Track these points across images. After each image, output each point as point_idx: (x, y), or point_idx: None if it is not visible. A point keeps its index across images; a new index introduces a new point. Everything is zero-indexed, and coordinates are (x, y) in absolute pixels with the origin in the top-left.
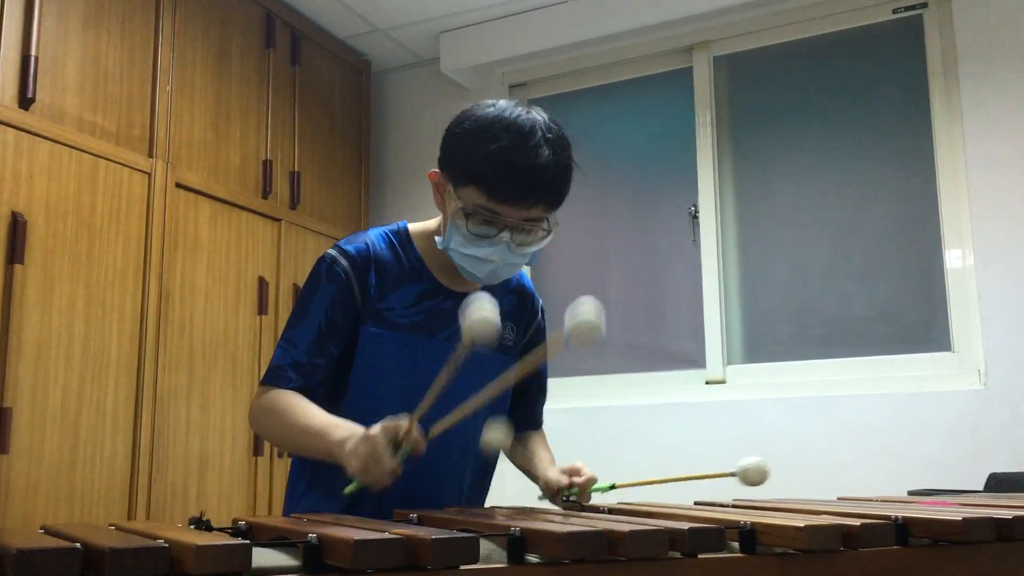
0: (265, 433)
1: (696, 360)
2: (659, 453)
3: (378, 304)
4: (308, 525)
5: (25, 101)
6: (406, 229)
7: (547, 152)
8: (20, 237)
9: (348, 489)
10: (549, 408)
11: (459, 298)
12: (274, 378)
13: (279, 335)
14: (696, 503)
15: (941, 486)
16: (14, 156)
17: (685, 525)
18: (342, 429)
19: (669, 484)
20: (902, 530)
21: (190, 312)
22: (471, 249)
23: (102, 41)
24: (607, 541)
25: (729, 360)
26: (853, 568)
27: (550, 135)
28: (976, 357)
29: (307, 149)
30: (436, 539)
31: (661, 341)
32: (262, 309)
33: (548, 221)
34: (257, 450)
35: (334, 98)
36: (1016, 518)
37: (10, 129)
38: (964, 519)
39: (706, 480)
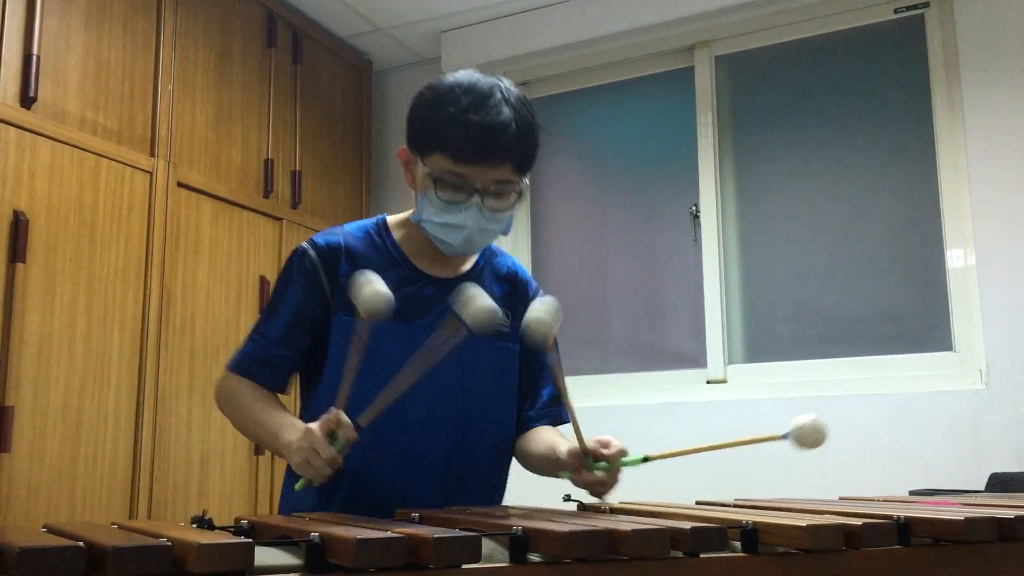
0: (228, 418)
1: (697, 360)
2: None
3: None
4: (310, 524)
5: (27, 100)
6: (384, 220)
7: (508, 110)
8: (22, 236)
9: (298, 485)
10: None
11: (440, 284)
12: (247, 370)
13: None
14: (698, 502)
15: (942, 486)
16: (16, 155)
17: (687, 524)
18: (290, 431)
19: (702, 454)
20: (904, 530)
21: (191, 311)
22: (443, 217)
23: (104, 40)
24: (609, 540)
25: (730, 360)
26: (855, 568)
27: (509, 96)
28: (977, 357)
29: (308, 148)
30: (438, 538)
31: (662, 341)
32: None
33: (519, 184)
34: (259, 449)
35: (335, 98)
36: (1018, 518)
37: (12, 128)
38: (966, 519)
39: (753, 445)
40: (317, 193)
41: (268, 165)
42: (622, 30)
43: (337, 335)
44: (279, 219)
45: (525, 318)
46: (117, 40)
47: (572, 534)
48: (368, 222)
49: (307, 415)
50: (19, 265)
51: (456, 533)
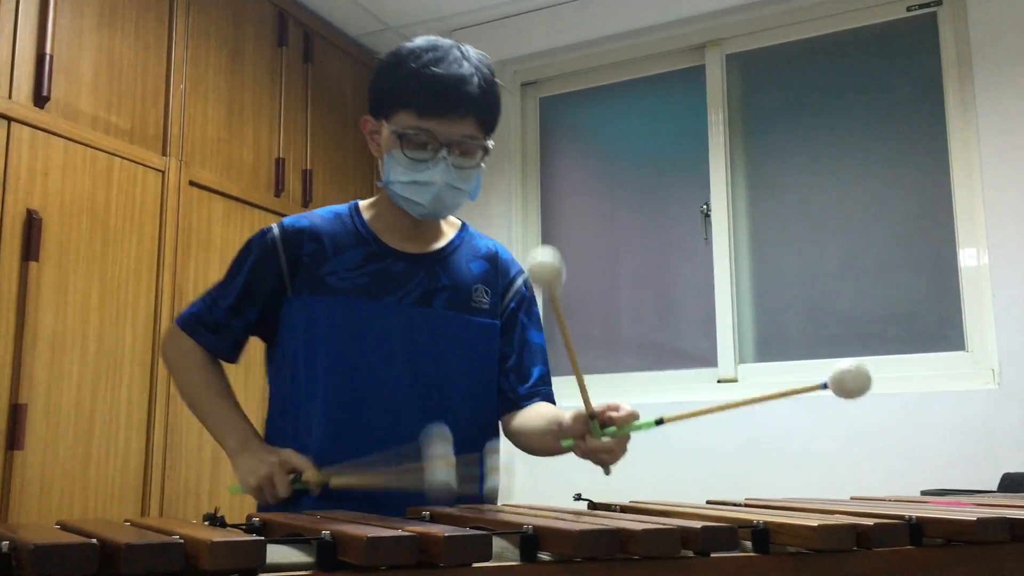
0: (175, 379)
1: (708, 359)
2: (670, 452)
3: (316, 271)
4: (322, 522)
5: (40, 99)
6: (356, 204)
7: (468, 65)
8: (35, 234)
9: (233, 488)
10: (560, 406)
11: (411, 260)
12: (193, 330)
13: None
14: (708, 502)
15: (954, 486)
16: (29, 154)
17: (698, 524)
18: (236, 436)
19: (718, 413)
20: (916, 530)
21: None
22: (411, 175)
23: (116, 40)
24: (619, 539)
25: (741, 359)
26: (866, 568)
27: (468, 53)
28: (990, 356)
29: (319, 147)
30: (449, 536)
31: (673, 340)
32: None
33: (483, 141)
34: None
35: (346, 96)
36: None
37: (25, 127)
38: (978, 519)
39: (789, 397)
40: (328, 192)
41: (279, 164)
42: (632, 29)
43: (291, 318)
44: None
45: (529, 260)
46: (129, 40)
47: (583, 533)
48: (340, 206)
49: (276, 407)
50: (32, 264)
51: (467, 531)
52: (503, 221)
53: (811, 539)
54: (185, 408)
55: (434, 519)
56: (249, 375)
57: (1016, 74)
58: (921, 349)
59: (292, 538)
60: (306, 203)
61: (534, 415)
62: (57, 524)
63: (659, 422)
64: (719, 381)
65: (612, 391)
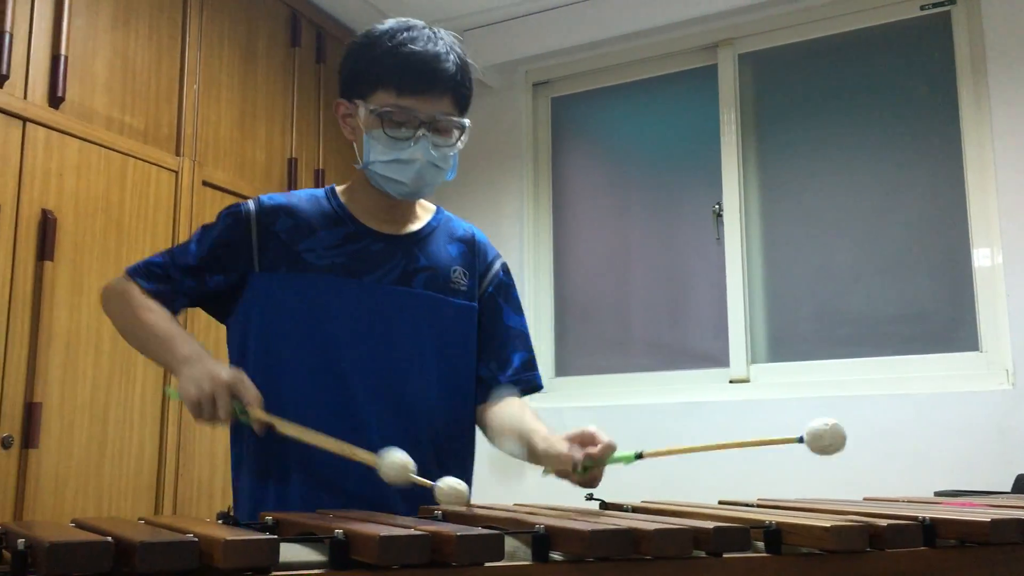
0: (112, 317)
1: (720, 359)
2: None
3: (294, 246)
4: (334, 521)
5: (55, 100)
6: (332, 188)
7: (443, 43)
8: (50, 234)
9: (170, 391)
10: (571, 407)
11: (389, 240)
12: (140, 274)
13: None
14: (720, 502)
15: (968, 487)
16: (44, 154)
17: (710, 524)
18: (188, 346)
19: (711, 454)
20: (929, 531)
21: None
22: (392, 154)
23: (130, 40)
24: (632, 539)
25: (753, 359)
26: (879, 569)
27: (439, 32)
28: (1004, 357)
29: (332, 147)
30: (461, 536)
31: (685, 340)
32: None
33: (460, 120)
34: None
35: None
36: None
37: (40, 128)
38: (992, 520)
39: (760, 447)
40: None
41: (292, 164)
42: (645, 28)
43: (264, 293)
44: None
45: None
46: (143, 40)
47: (595, 533)
48: (316, 189)
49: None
50: (47, 263)
51: (479, 531)
52: (515, 221)
53: (824, 540)
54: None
55: (446, 518)
56: None
57: None
58: (934, 349)
59: (305, 537)
60: None
61: (507, 420)
62: (72, 522)
63: (639, 456)
64: (731, 381)
65: (624, 391)
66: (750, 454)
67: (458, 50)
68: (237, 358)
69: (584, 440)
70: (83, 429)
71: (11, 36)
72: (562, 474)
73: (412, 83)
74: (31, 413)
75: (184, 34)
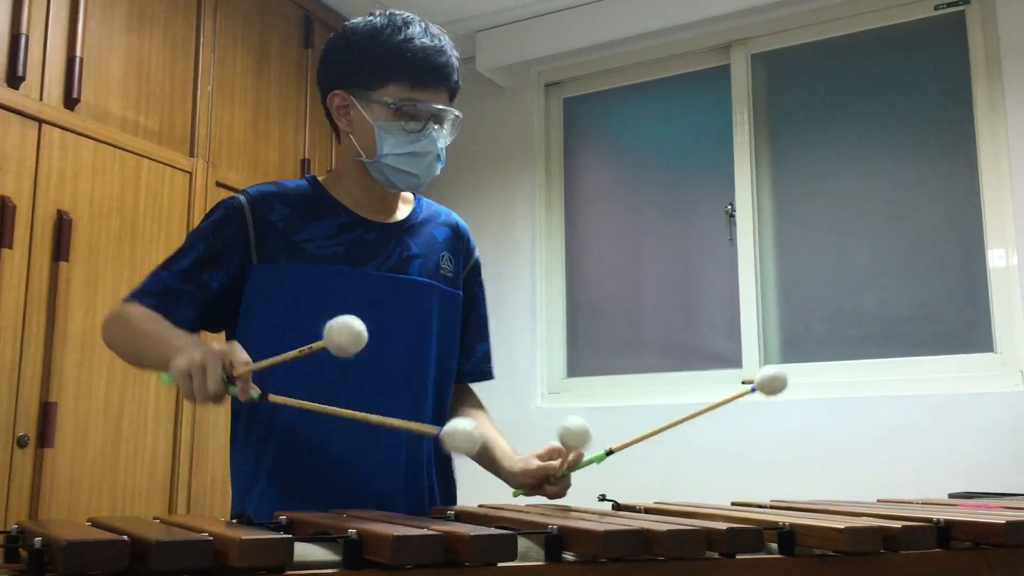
0: (113, 342)
1: (732, 360)
2: (694, 454)
3: (292, 236)
4: (348, 521)
5: (70, 101)
6: (313, 178)
7: (440, 37)
8: (66, 235)
9: (164, 376)
10: (583, 407)
11: (383, 228)
12: (141, 296)
13: None
14: (733, 503)
15: (983, 488)
16: (60, 155)
17: (723, 525)
18: (184, 338)
19: (688, 418)
20: (943, 533)
21: None
22: (407, 147)
23: (145, 42)
24: (644, 540)
25: (766, 360)
26: (893, 571)
27: (430, 26)
28: (1019, 358)
29: None
30: (475, 536)
31: (697, 341)
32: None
33: (454, 111)
34: None
35: None
36: None
37: (56, 129)
38: (1007, 522)
39: (718, 408)
40: None
41: (305, 164)
42: (657, 28)
43: (265, 285)
44: None
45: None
46: (157, 42)
47: (607, 534)
48: (298, 180)
49: None
50: (62, 264)
51: (492, 531)
52: (527, 222)
53: (837, 541)
54: (212, 407)
55: (459, 518)
56: None
57: None
58: (949, 351)
59: (319, 536)
60: None
61: (487, 418)
62: (88, 521)
63: (609, 452)
64: (743, 382)
65: (635, 392)
66: (764, 457)
67: (451, 42)
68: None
69: (553, 455)
70: (98, 429)
71: (27, 38)
72: (534, 491)
73: (425, 77)
74: (46, 413)
75: (198, 36)
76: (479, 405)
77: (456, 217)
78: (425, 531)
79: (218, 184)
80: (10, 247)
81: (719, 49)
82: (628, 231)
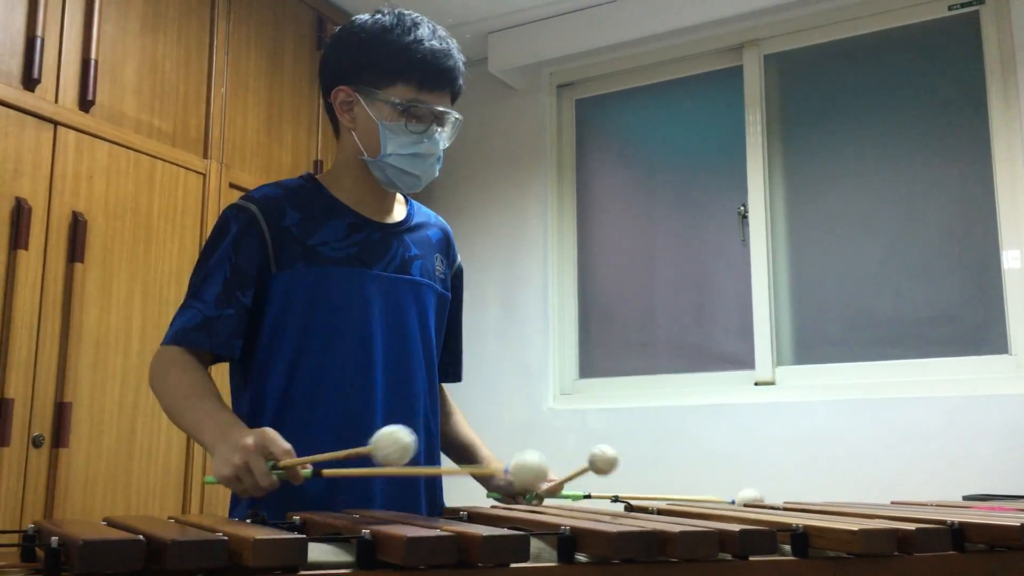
0: (158, 397)
1: (745, 361)
2: (706, 455)
3: (308, 240)
4: (361, 522)
5: (85, 104)
6: (311, 176)
7: (447, 40)
8: (80, 236)
9: (209, 479)
10: (595, 409)
11: (386, 229)
12: (182, 339)
13: None
14: (746, 505)
15: (997, 491)
16: (75, 157)
17: (736, 527)
18: (215, 427)
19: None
20: (958, 535)
21: None
22: (412, 148)
23: (159, 44)
24: (657, 541)
25: (779, 361)
26: (908, 573)
27: (437, 27)
28: None
29: None
30: (487, 537)
31: (709, 341)
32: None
33: (455, 114)
34: None
35: None
36: None
37: (71, 131)
38: (1022, 524)
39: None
40: None
41: (317, 166)
42: (670, 29)
43: (284, 292)
44: None
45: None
46: (172, 45)
47: (620, 535)
48: (297, 178)
49: (251, 389)
50: (77, 265)
51: (505, 532)
52: (538, 223)
53: (851, 543)
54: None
55: (472, 519)
56: None
57: None
58: (963, 352)
59: (332, 537)
60: None
61: (457, 430)
62: (104, 520)
63: (587, 497)
64: (756, 384)
65: (648, 393)
66: (776, 459)
67: (456, 44)
68: (276, 363)
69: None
70: (112, 429)
71: (42, 41)
72: (508, 499)
73: (432, 79)
74: (61, 413)
75: (211, 38)
76: (454, 406)
77: (443, 221)
78: (438, 532)
79: (231, 186)
80: (25, 248)
81: (731, 50)
82: (640, 232)
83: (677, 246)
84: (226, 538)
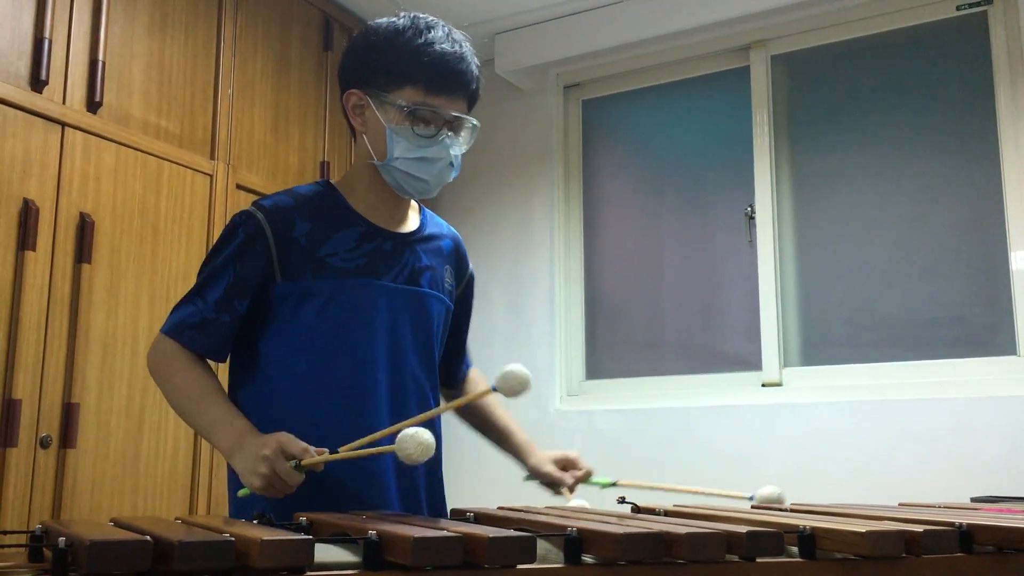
0: (159, 385)
1: (752, 362)
2: (713, 456)
3: (317, 252)
4: (368, 522)
5: (93, 105)
6: (327, 182)
7: (463, 45)
8: (88, 237)
9: (242, 492)
10: (602, 410)
11: (397, 239)
12: (180, 334)
13: None
14: (753, 506)
15: (1005, 493)
16: (82, 158)
17: (743, 528)
18: (229, 435)
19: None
20: (966, 537)
21: None
22: (419, 151)
23: (166, 46)
24: (664, 543)
25: (786, 362)
26: (915, 575)
27: (453, 32)
28: None
29: None
30: (494, 538)
31: (716, 343)
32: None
33: (470, 120)
34: None
35: None
36: None
37: (79, 132)
38: None
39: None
40: None
41: (324, 167)
42: (677, 30)
43: (291, 303)
44: None
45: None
46: (179, 46)
47: (627, 536)
48: (312, 184)
49: (254, 392)
50: (85, 266)
51: (511, 533)
52: (545, 224)
53: (859, 545)
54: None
55: (478, 520)
56: None
57: None
58: (971, 353)
59: (339, 537)
60: None
61: (484, 417)
62: (111, 521)
63: (613, 484)
64: (763, 385)
65: (655, 394)
66: (783, 460)
67: (472, 50)
68: (278, 368)
69: (567, 464)
70: (119, 429)
71: (50, 42)
72: (543, 484)
73: (441, 83)
74: (69, 414)
75: (219, 39)
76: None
77: (455, 231)
78: (445, 533)
79: (238, 187)
80: (33, 249)
81: (738, 51)
82: (647, 233)
83: (684, 247)
84: (233, 539)
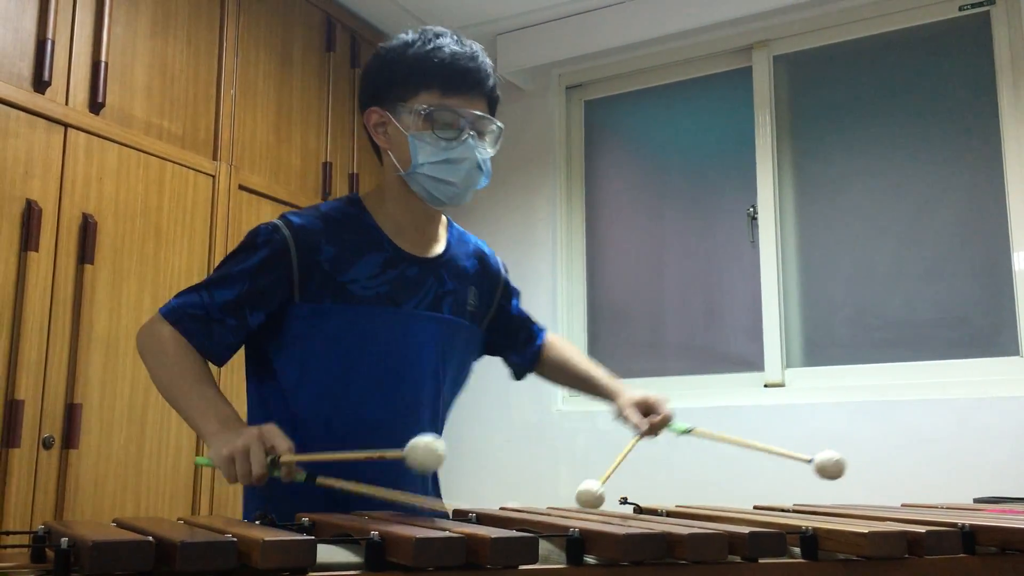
0: (146, 362)
1: (754, 363)
2: (716, 456)
3: (339, 277)
4: (370, 523)
5: (95, 106)
6: (359, 198)
7: (473, 46)
8: (91, 238)
9: (200, 459)
10: (604, 409)
11: (423, 264)
12: (178, 319)
13: None
14: (756, 507)
15: (1008, 494)
16: (85, 159)
17: (745, 529)
18: (218, 418)
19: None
20: (969, 538)
21: None
22: (442, 155)
23: (169, 47)
24: (666, 544)
25: (788, 363)
26: None
27: (462, 37)
28: None
29: (366, 151)
30: (496, 538)
31: (719, 343)
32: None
33: (494, 123)
34: None
35: None
36: None
37: (81, 133)
38: None
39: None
40: None
41: (326, 168)
42: (679, 31)
43: (308, 326)
44: None
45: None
46: (181, 47)
47: (629, 537)
48: (341, 202)
49: (268, 409)
50: (87, 266)
51: (514, 534)
52: (547, 225)
53: (861, 546)
54: (234, 408)
55: (480, 521)
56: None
57: None
58: (974, 354)
59: (341, 538)
60: None
61: (566, 370)
62: (114, 522)
63: (688, 431)
64: (766, 385)
65: None
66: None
67: (484, 51)
68: (293, 388)
69: (648, 408)
70: (122, 430)
71: (53, 43)
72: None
73: (456, 82)
74: (71, 414)
75: (221, 40)
76: (564, 342)
77: (483, 246)
78: (447, 533)
79: (241, 187)
80: (36, 250)
81: (741, 51)
82: (649, 233)
83: (686, 247)
84: (235, 540)
